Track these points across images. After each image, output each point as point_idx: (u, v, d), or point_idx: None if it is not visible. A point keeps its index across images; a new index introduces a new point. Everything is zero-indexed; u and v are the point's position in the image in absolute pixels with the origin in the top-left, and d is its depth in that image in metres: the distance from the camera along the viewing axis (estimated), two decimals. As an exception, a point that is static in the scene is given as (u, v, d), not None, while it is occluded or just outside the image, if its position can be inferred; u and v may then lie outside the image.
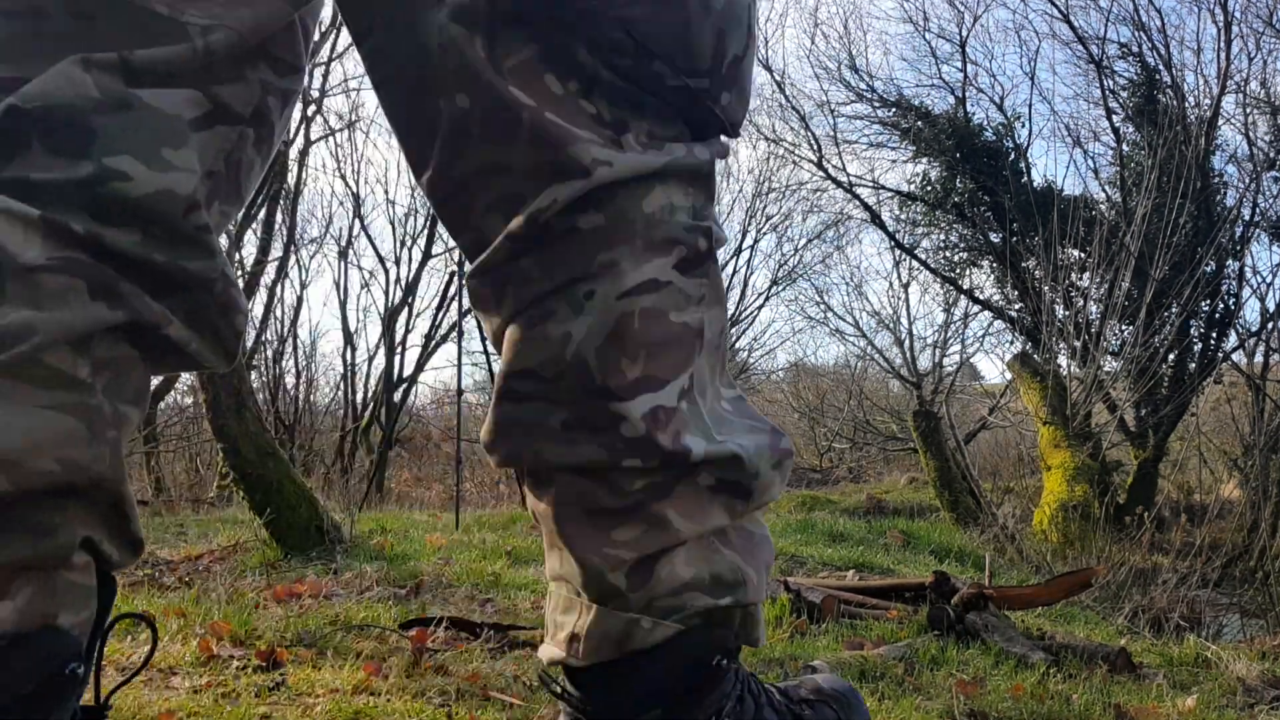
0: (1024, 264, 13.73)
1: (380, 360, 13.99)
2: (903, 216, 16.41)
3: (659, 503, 1.04)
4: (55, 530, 0.81)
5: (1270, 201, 13.28)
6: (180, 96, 0.86)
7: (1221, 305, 13.10)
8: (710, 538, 1.08)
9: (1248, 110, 13.34)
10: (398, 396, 13.76)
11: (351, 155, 15.22)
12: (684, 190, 1.06)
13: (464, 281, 1.12)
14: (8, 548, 0.77)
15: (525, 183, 1.00)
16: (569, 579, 1.09)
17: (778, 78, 16.05)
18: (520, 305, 1.05)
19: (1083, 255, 12.63)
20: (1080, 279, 12.62)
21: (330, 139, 13.60)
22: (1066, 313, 11.18)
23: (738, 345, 19.07)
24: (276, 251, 12.87)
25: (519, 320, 1.05)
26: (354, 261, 16.70)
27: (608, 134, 1.02)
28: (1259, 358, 13.09)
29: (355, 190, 14.24)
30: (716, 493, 1.07)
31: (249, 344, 12.25)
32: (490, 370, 14.72)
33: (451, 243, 13.83)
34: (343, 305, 14.39)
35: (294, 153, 12.25)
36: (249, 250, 12.24)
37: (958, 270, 16.04)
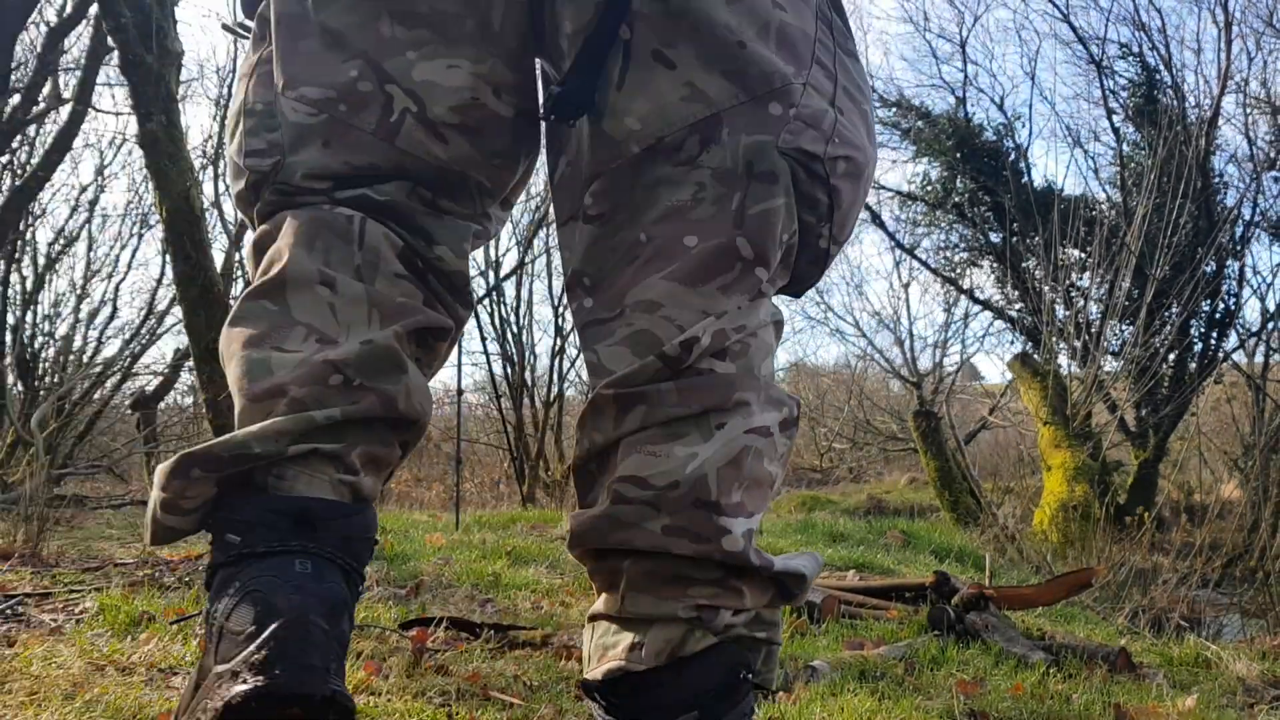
0: (1024, 264, 13.73)
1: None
2: (903, 216, 16.42)
3: (738, 580, 1.24)
4: (394, 445, 1.25)
5: (1270, 201, 13.30)
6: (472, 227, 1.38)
7: (1222, 305, 13.11)
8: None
9: (1248, 110, 13.36)
10: (398, 396, 13.73)
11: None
12: (776, 338, 1.34)
13: (594, 391, 1.27)
14: (389, 450, 1.23)
15: (687, 314, 1.22)
16: (625, 617, 1.26)
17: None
18: (647, 423, 1.21)
19: (1083, 255, 12.63)
20: (1080, 279, 12.62)
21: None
22: (1067, 313, 11.18)
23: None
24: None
25: (643, 435, 1.21)
26: (354, 261, 16.65)
27: (763, 274, 1.26)
28: (1259, 358, 13.09)
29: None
30: (774, 586, 1.28)
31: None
32: (490, 370, 14.75)
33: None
34: (343, 305, 14.36)
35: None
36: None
37: (958, 270, 16.05)
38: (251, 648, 0.99)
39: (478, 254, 13.51)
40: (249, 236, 1.42)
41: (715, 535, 1.19)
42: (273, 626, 1.00)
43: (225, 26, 2.65)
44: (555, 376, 14.92)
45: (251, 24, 1.40)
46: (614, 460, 1.23)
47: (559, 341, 14.38)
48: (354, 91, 1.27)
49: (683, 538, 1.19)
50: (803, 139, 1.23)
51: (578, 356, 13.49)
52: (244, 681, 0.98)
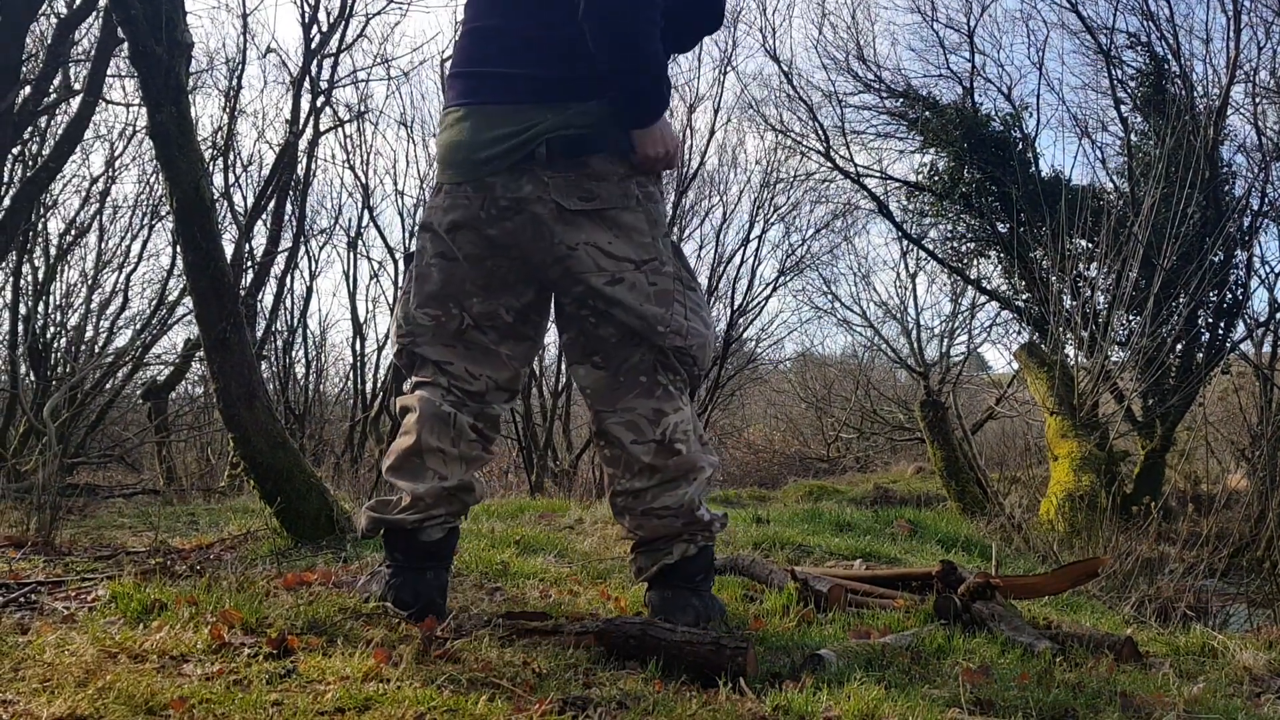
0: (1031, 254, 13.71)
1: (389, 350, 14.01)
2: (910, 207, 16.38)
3: (703, 530, 2.94)
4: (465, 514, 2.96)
5: (1279, 192, 13.25)
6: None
7: (1229, 295, 13.08)
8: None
9: (1257, 100, 13.30)
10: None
11: (360, 146, 15.18)
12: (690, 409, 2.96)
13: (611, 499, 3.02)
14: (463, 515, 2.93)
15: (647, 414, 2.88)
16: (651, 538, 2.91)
17: (785, 68, 15.93)
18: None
19: (1090, 245, 12.60)
20: (1088, 269, 12.59)
21: (339, 130, 13.60)
22: (1074, 303, 11.16)
23: (745, 335, 19.06)
24: (286, 242, 12.89)
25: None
26: (363, 252, 16.73)
27: (680, 395, 2.94)
28: (1267, 348, 13.07)
29: (364, 181, 14.18)
30: (715, 526, 2.99)
31: (259, 334, 12.28)
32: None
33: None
34: (352, 296, 14.42)
35: (303, 144, 12.25)
36: (259, 241, 12.26)
37: (965, 260, 16.02)
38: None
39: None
40: (403, 396, 2.94)
41: (700, 523, 2.90)
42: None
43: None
44: (563, 366, 14.95)
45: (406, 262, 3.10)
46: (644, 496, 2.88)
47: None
48: (447, 309, 2.82)
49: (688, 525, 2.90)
50: (673, 340, 2.81)
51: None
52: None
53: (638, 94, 2.66)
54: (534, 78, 2.68)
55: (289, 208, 12.58)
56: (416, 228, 3.06)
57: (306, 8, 11.87)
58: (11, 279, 10.31)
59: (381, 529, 2.79)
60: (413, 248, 2.91)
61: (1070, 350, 10.64)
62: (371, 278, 20.36)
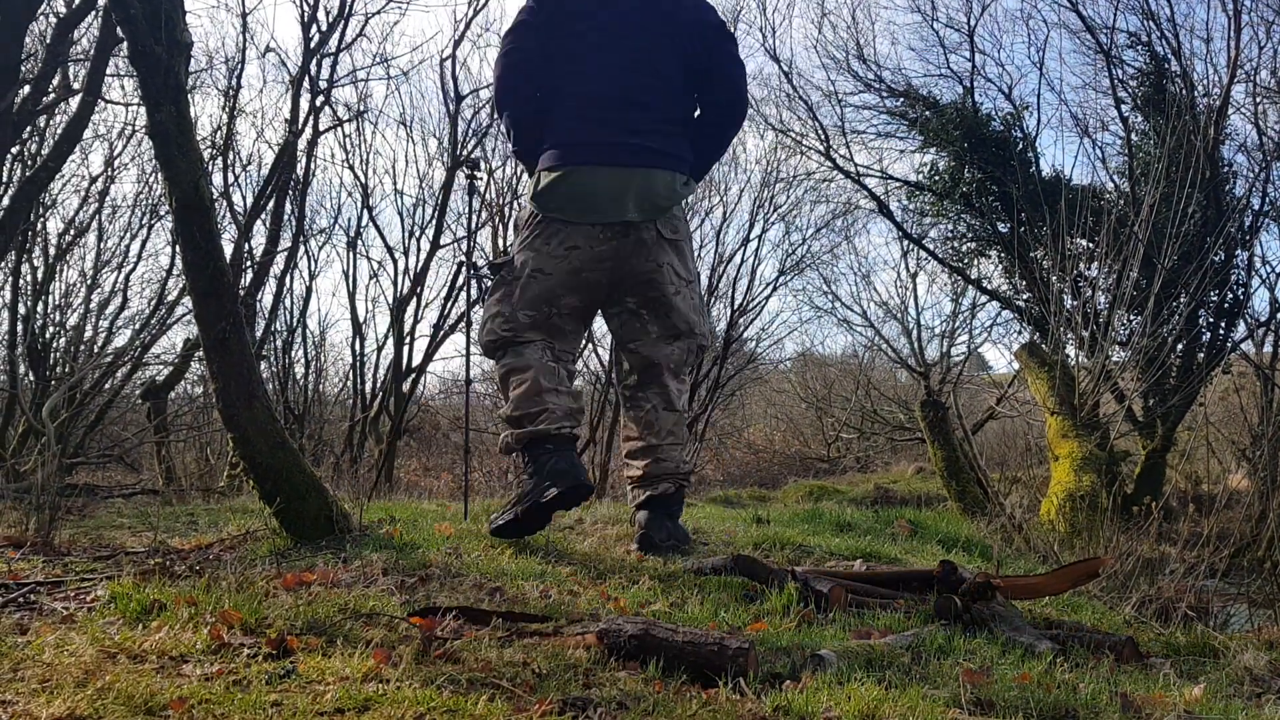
0: (1032, 254, 13.70)
1: (389, 350, 14.02)
2: (910, 206, 16.37)
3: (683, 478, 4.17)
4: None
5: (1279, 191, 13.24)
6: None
7: (1230, 295, 13.07)
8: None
9: (1258, 99, 13.29)
10: (406, 386, 13.77)
11: (360, 146, 15.21)
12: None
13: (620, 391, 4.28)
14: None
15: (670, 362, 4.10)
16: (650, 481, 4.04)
17: (785, 68, 15.92)
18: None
19: (1091, 245, 12.59)
20: (1088, 269, 12.59)
21: (338, 129, 13.60)
22: (1074, 302, 11.16)
23: (745, 335, 19.05)
24: (285, 242, 12.90)
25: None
26: (363, 252, 16.72)
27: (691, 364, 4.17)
28: (1268, 347, 13.07)
29: (364, 181, 14.18)
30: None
31: (259, 334, 12.28)
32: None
33: (460, 233, 13.78)
34: (351, 295, 14.42)
35: (302, 143, 12.26)
36: (258, 240, 12.27)
37: (965, 260, 16.01)
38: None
39: (485, 245, 13.46)
40: (499, 367, 3.95)
41: (682, 472, 4.11)
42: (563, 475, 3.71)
43: (472, 271, 4.75)
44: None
45: (487, 272, 4.23)
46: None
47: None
48: (541, 309, 3.90)
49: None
50: (703, 340, 4.06)
51: (585, 347, 13.54)
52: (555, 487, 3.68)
53: (724, 148, 4.23)
54: (655, 146, 3.86)
55: (288, 207, 12.59)
56: (515, 249, 4.01)
57: (306, 7, 11.89)
58: (11, 279, 10.32)
59: (526, 440, 3.81)
60: (492, 261, 4.21)
61: (1071, 350, 10.63)
62: (371, 277, 20.35)
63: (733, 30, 4.17)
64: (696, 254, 4.91)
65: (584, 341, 4.25)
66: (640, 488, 4.05)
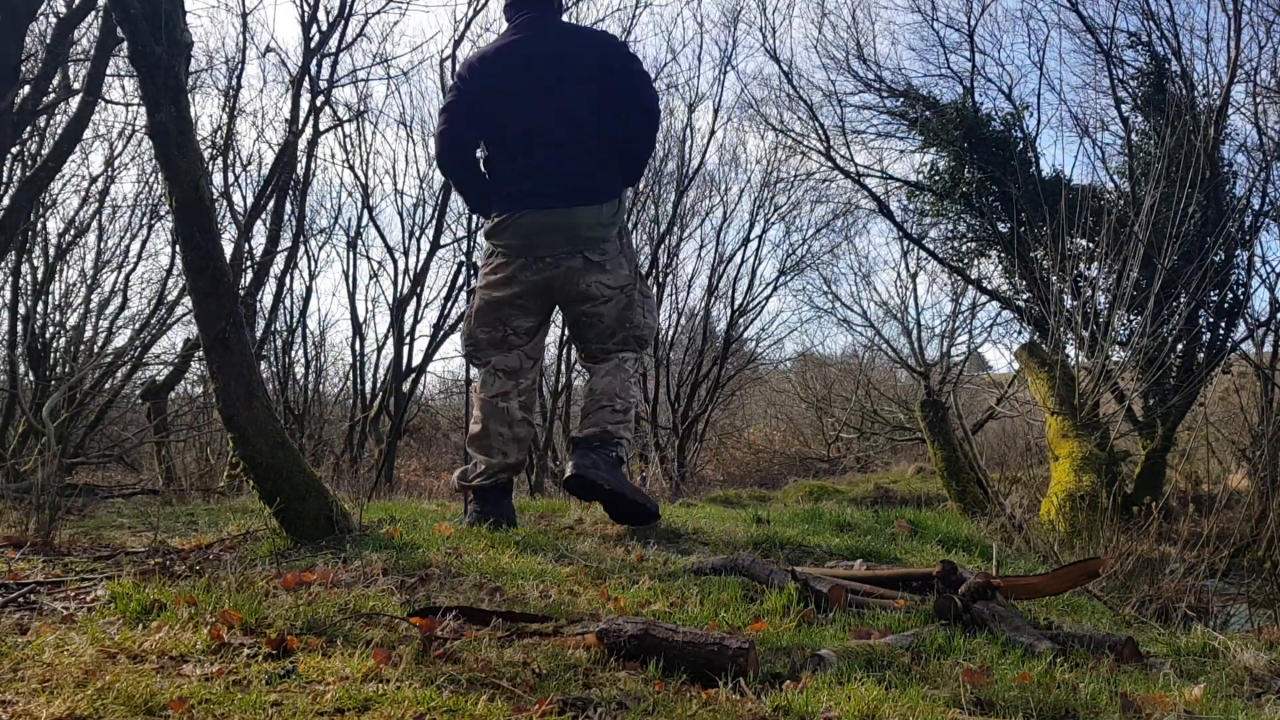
0: (1032, 254, 13.70)
1: (389, 350, 14.03)
2: (911, 206, 16.38)
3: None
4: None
5: (1280, 191, 13.23)
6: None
7: (1230, 295, 13.07)
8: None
9: (1258, 99, 13.29)
10: (406, 386, 13.78)
11: (360, 146, 15.17)
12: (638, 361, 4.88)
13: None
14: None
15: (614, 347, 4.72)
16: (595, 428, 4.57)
17: (785, 68, 15.93)
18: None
19: (1091, 245, 12.60)
20: (1088, 269, 12.59)
21: (338, 129, 13.60)
22: (1074, 302, 11.16)
23: (745, 335, 19.06)
24: (285, 242, 12.89)
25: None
26: (363, 252, 16.69)
27: (631, 361, 4.74)
28: (1268, 347, 13.07)
29: (364, 181, 14.19)
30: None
31: (259, 334, 12.28)
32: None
33: (460, 233, 13.78)
34: (351, 295, 14.43)
35: (302, 143, 12.25)
36: (258, 240, 12.26)
37: (965, 260, 16.02)
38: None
39: (484, 244, 13.48)
40: (477, 375, 4.84)
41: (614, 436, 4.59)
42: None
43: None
44: (563, 366, 14.95)
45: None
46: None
47: (565, 332, 14.38)
48: (496, 328, 4.69)
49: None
50: (635, 331, 4.69)
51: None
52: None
53: (644, 162, 4.95)
54: (578, 185, 4.52)
55: (288, 207, 12.58)
56: (477, 280, 4.84)
57: (306, 7, 11.88)
58: (11, 278, 10.31)
59: (467, 488, 4.77)
60: (472, 285, 4.93)
61: (1071, 350, 10.63)
62: (371, 277, 20.28)
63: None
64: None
65: (540, 362, 4.94)
66: (575, 446, 4.66)
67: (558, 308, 4.79)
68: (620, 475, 4.55)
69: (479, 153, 4.74)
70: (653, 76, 4.85)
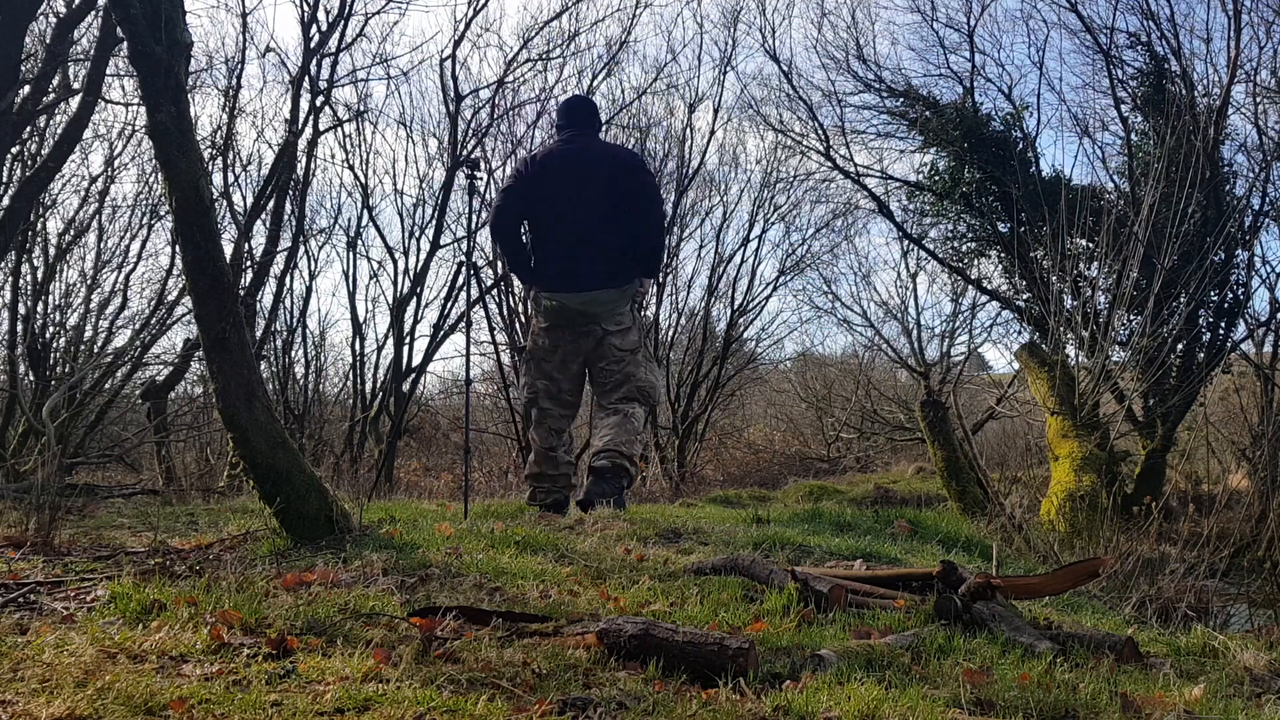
0: (1032, 254, 13.69)
1: (389, 350, 14.03)
2: (910, 206, 16.34)
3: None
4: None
5: (1280, 191, 13.22)
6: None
7: (1230, 295, 13.05)
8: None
9: (1258, 99, 13.26)
10: (406, 386, 13.78)
11: (360, 146, 15.17)
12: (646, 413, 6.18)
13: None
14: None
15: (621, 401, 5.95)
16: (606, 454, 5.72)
17: (785, 68, 15.90)
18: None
19: (1091, 245, 12.59)
20: (1088, 269, 12.58)
21: (338, 129, 13.60)
22: (1074, 302, 11.15)
23: (745, 335, 19.05)
24: (285, 242, 12.89)
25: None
26: (363, 252, 16.67)
27: (638, 411, 5.98)
28: (1268, 347, 13.05)
29: (363, 181, 14.18)
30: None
31: (259, 334, 12.28)
32: (498, 360, 14.76)
33: (460, 232, 13.79)
34: (351, 295, 14.42)
35: (302, 143, 12.25)
36: (258, 240, 12.26)
37: (965, 260, 15.99)
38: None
39: (485, 244, 13.45)
40: (531, 420, 6.15)
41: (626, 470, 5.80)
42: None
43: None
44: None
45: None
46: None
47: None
48: (548, 382, 5.97)
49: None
50: (640, 384, 5.95)
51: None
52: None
53: (659, 259, 6.22)
54: (600, 271, 5.73)
55: (288, 207, 12.58)
56: (528, 341, 6.17)
57: (306, 7, 11.88)
58: (11, 278, 10.32)
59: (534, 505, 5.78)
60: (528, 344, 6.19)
61: (1071, 350, 10.63)
62: (371, 277, 20.29)
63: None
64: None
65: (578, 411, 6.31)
66: (590, 471, 5.81)
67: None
68: (622, 496, 5.76)
69: (524, 229, 5.95)
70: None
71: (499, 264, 14.46)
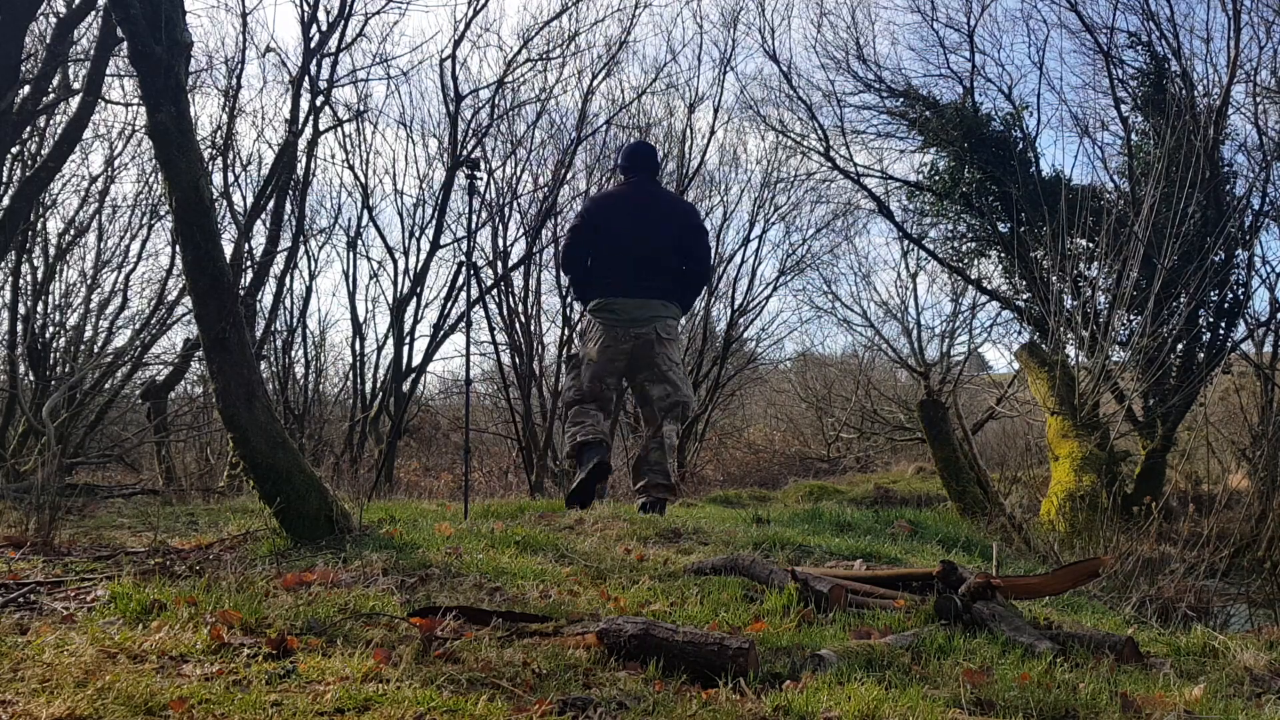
0: (1032, 254, 13.69)
1: (389, 350, 14.03)
2: (910, 206, 16.35)
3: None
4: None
5: (1280, 191, 13.21)
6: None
7: (1230, 295, 13.05)
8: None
9: (1258, 99, 13.27)
10: (406, 386, 13.78)
11: (360, 146, 15.16)
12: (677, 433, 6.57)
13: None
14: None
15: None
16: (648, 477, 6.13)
17: (784, 68, 15.90)
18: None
19: (1091, 245, 12.59)
20: (1088, 269, 12.58)
21: (338, 129, 13.60)
22: (1074, 302, 11.15)
23: (746, 335, 19.05)
24: (285, 242, 12.89)
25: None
26: (363, 252, 16.69)
27: (677, 424, 6.43)
28: (1268, 347, 13.05)
29: (364, 181, 14.18)
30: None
31: (259, 334, 12.28)
32: (498, 360, 14.78)
33: (460, 232, 13.80)
34: (351, 295, 14.42)
35: (302, 143, 12.25)
36: (258, 240, 12.26)
37: (965, 260, 15.99)
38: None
39: (485, 244, 13.45)
40: (570, 415, 6.33)
41: (668, 484, 6.21)
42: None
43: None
44: (563, 368, 14.90)
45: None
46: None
47: (566, 331, 14.41)
48: (595, 383, 6.22)
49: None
50: (685, 399, 6.32)
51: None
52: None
53: (698, 295, 6.77)
54: (657, 287, 6.20)
55: (288, 207, 12.58)
56: (579, 346, 6.63)
57: (306, 7, 11.88)
58: (11, 278, 10.31)
59: (576, 449, 6.15)
60: (573, 350, 6.92)
61: (1071, 350, 10.63)
62: (371, 277, 20.33)
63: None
64: None
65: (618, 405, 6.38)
66: (639, 492, 6.16)
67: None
68: (663, 505, 6.21)
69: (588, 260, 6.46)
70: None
71: (499, 264, 14.48)
